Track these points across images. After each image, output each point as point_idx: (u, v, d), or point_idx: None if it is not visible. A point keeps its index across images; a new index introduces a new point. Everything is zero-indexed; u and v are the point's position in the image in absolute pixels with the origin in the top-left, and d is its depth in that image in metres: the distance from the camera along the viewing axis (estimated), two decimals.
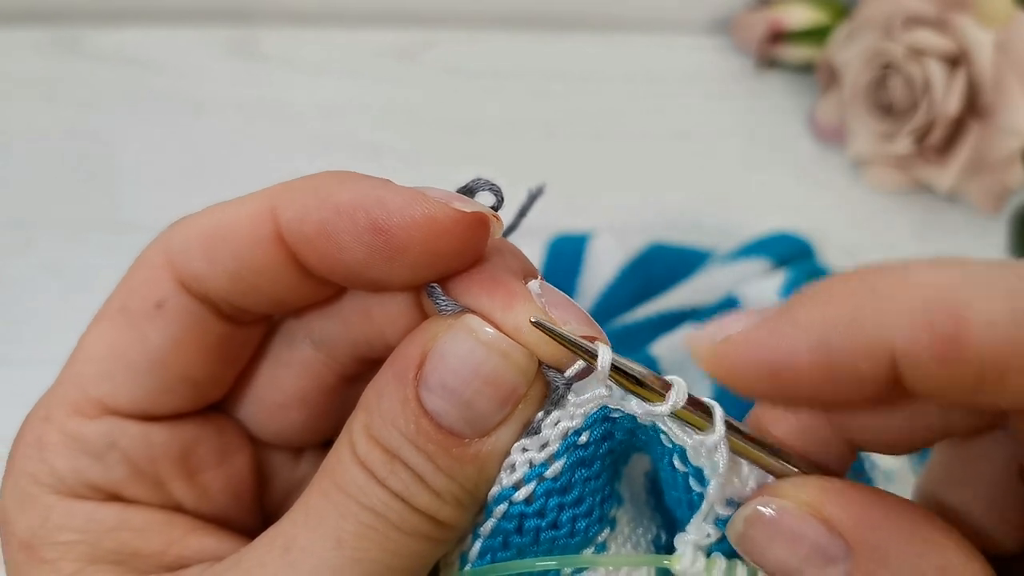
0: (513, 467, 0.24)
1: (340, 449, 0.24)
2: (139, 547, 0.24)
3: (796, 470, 0.23)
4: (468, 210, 0.23)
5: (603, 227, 0.58)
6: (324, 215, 0.23)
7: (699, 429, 0.23)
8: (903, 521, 0.20)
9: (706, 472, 0.23)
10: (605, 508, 0.25)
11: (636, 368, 0.23)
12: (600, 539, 0.25)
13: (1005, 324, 0.18)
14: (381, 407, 0.23)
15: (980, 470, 0.24)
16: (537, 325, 0.23)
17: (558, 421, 0.24)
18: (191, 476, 0.26)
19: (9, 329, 0.56)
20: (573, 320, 0.24)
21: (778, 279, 0.49)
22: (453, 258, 0.24)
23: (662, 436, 0.24)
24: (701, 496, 0.23)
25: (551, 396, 0.24)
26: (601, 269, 0.55)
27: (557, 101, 0.69)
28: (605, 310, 0.53)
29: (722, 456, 0.22)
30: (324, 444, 0.30)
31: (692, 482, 0.23)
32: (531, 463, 0.24)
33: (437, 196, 0.23)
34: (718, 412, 0.23)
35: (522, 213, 0.27)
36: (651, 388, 0.23)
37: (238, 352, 0.27)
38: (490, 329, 0.23)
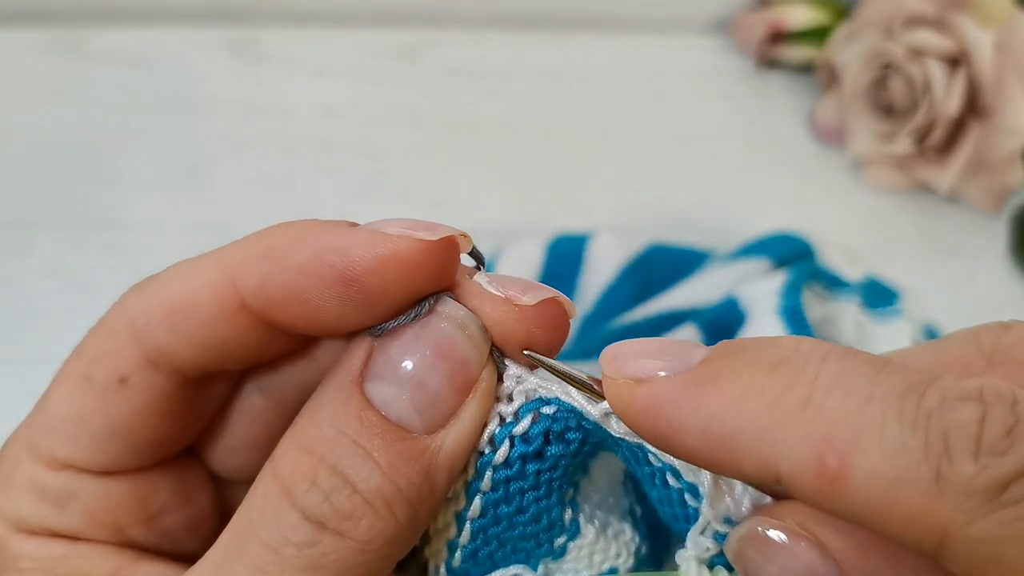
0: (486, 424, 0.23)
1: (261, 475, 0.23)
2: (89, 572, 0.24)
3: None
4: (434, 238, 0.23)
5: (603, 227, 0.58)
6: (288, 278, 0.22)
7: None
8: (891, 544, 0.21)
9: (701, 489, 0.23)
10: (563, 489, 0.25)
11: (573, 371, 0.23)
12: (567, 518, 0.25)
13: (885, 483, 0.18)
14: (318, 413, 0.22)
15: None
16: (530, 355, 0.23)
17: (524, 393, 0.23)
18: (151, 521, 0.26)
19: (9, 329, 0.56)
20: (532, 288, 0.23)
21: (778, 279, 0.49)
22: (428, 287, 0.23)
23: (651, 456, 0.23)
24: (697, 509, 0.23)
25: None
26: (601, 269, 0.55)
27: (557, 101, 0.69)
28: (605, 310, 0.53)
29: (706, 475, 0.22)
30: None
31: (687, 496, 0.23)
32: (502, 419, 0.23)
33: (398, 230, 0.23)
34: None
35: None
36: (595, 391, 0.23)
37: (203, 410, 0.27)
38: (451, 303, 0.23)
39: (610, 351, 0.22)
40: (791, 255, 0.54)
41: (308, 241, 0.23)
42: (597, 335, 0.50)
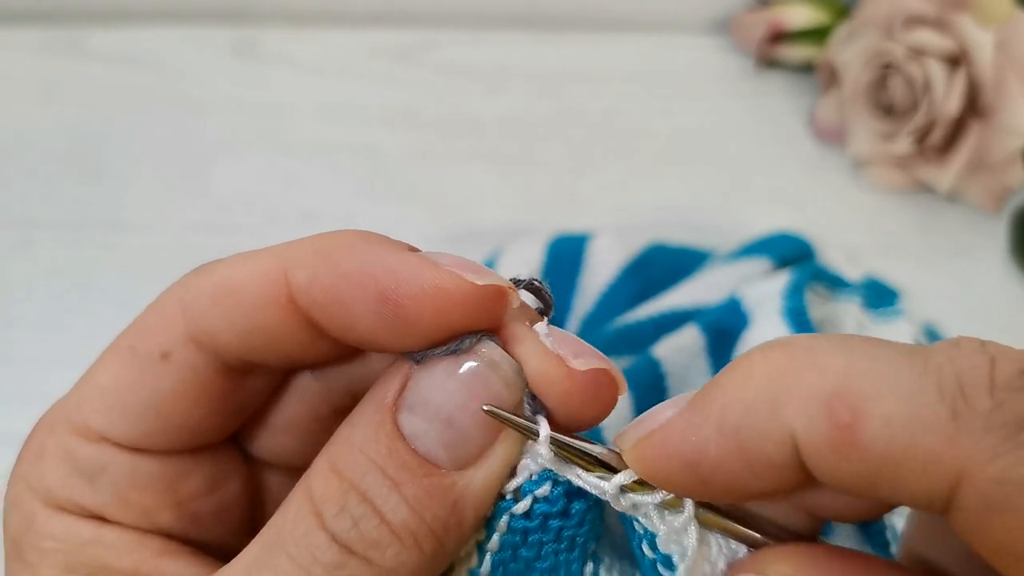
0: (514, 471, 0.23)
1: (295, 490, 0.23)
2: (109, 563, 0.25)
3: (768, 541, 0.22)
4: (481, 283, 0.22)
5: (603, 227, 0.58)
6: (333, 281, 0.22)
7: (667, 507, 0.22)
8: None
9: (675, 559, 0.22)
10: (597, 527, 0.25)
11: (587, 446, 0.23)
12: (587, 573, 0.25)
13: (901, 425, 0.18)
14: (352, 436, 0.22)
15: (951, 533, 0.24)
16: (490, 413, 0.22)
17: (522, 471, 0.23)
18: (179, 505, 0.26)
19: (9, 329, 0.56)
20: (586, 353, 0.23)
21: (781, 281, 0.49)
22: (466, 327, 0.23)
23: (635, 523, 0.23)
24: None
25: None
26: (601, 269, 0.55)
27: (557, 101, 0.69)
28: (605, 310, 0.53)
29: (691, 540, 0.22)
30: None
31: (660, 568, 0.23)
32: (530, 474, 0.23)
33: (450, 264, 0.22)
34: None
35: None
36: (606, 465, 0.23)
37: (244, 403, 0.27)
38: (488, 343, 0.22)
39: (618, 435, 0.22)
40: (792, 255, 0.54)
41: (360, 251, 0.23)
42: (597, 335, 0.50)
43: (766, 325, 0.46)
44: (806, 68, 0.69)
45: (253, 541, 0.23)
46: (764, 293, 0.48)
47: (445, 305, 0.22)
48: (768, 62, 0.70)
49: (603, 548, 0.26)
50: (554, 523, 0.24)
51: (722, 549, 0.22)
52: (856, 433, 0.18)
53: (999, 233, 0.62)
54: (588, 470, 0.23)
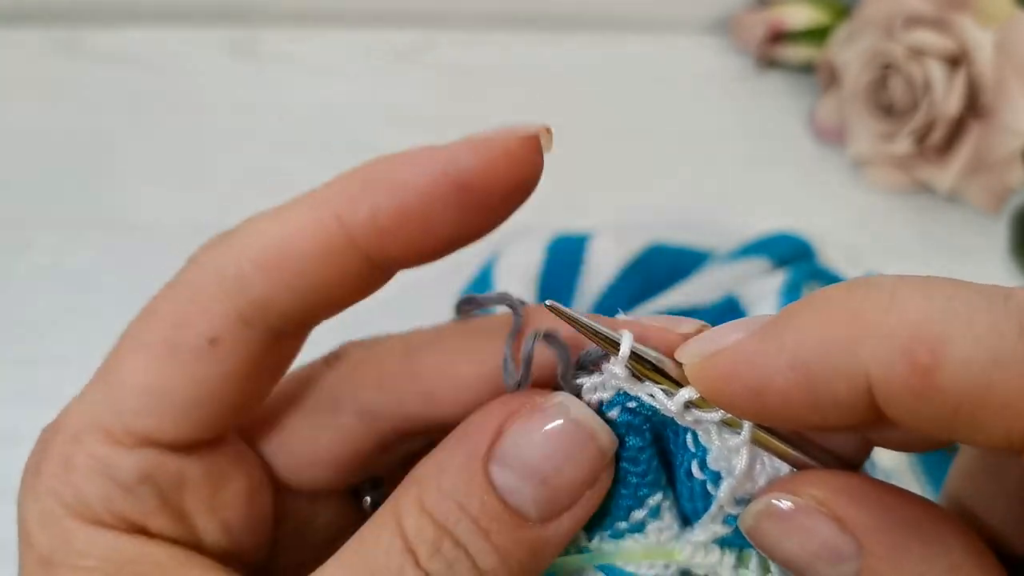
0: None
1: (381, 524, 0.23)
2: None
3: (815, 463, 0.22)
4: (527, 134, 0.23)
5: (603, 227, 0.58)
6: (402, 199, 0.22)
7: (727, 425, 0.23)
8: (915, 520, 0.20)
9: (723, 475, 0.23)
10: (660, 473, 0.25)
11: (657, 355, 0.23)
12: (652, 502, 0.25)
13: (981, 365, 0.17)
14: (441, 481, 0.23)
15: (1001, 480, 0.23)
16: (552, 308, 0.23)
17: (595, 390, 0.24)
18: (216, 512, 0.25)
19: (9, 329, 0.56)
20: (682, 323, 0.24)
21: (779, 279, 0.49)
22: (528, 187, 0.23)
23: (688, 437, 0.23)
24: (716, 497, 0.23)
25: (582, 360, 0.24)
26: (601, 269, 0.55)
27: (557, 101, 0.69)
28: (605, 310, 0.53)
29: (742, 461, 0.22)
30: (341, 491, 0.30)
31: (710, 487, 0.23)
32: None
33: (489, 136, 0.23)
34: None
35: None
36: (670, 377, 0.23)
37: (282, 365, 0.26)
38: (584, 408, 0.23)
39: (680, 347, 0.22)
40: (791, 255, 0.54)
41: (410, 161, 0.23)
42: None
43: None
44: (806, 68, 0.69)
45: (328, 562, 0.23)
46: (761, 291, 0.48)
47: (514, 165, 0.22)
48: (768, 62, 0.70)
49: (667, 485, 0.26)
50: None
51: (765, 467, 0.23)
52: (935, 375, 0.18)
53: (999, 233, 0.62)
54: (654, 381, 0.23)
